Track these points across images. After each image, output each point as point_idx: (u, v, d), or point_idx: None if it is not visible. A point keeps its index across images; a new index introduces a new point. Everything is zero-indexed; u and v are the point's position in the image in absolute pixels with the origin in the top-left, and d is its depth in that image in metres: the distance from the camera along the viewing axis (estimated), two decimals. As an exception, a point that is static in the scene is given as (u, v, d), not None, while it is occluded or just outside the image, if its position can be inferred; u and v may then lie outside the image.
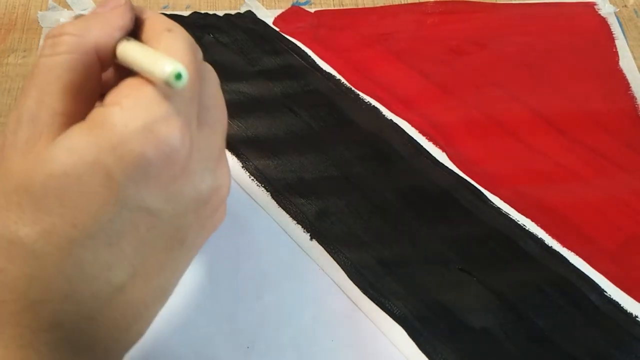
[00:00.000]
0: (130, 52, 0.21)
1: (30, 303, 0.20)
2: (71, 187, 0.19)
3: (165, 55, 0.19)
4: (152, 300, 0.23)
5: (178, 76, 0.19)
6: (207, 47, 0.43)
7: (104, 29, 0.21)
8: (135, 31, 0.23)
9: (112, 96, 0.20)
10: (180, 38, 0.21)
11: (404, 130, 0.40)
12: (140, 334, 0.24)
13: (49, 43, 0.21)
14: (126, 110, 0.19)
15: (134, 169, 0.19)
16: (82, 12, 0.44)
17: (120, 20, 0.22)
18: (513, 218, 0.37)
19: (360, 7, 0.47)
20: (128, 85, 0.20)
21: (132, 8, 0.23)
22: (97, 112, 0.19)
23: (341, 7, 0.46)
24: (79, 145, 0.19)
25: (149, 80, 0.19)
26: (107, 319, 0.21)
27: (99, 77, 0.22)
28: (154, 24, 0.22)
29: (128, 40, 0.22)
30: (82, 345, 0.21)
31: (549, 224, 0.37)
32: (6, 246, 0.19)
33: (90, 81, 0.21)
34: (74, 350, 0.21)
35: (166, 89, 0.19)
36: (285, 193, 0.37)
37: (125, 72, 0.21)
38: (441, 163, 0.39)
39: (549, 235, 0.36)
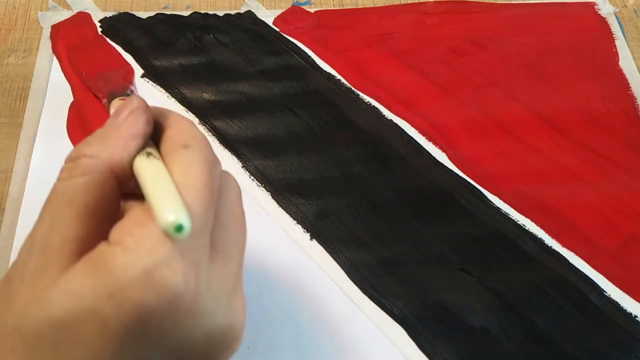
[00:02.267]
0: (142, 175, 0.19)
1: None
2: (65, 334, 0.18)
3: (172, 198, 0.18)
4: None
5: (179, 228, 0.17)
6: (207, 47, 0.43)
7: (117, 143, 0.20)
8: (157, 134, 0.21)
9: (117, 232, 0.18)
10: (197, 156, 0.20)
11: (404, 130, 0.40)
12: None
13: (67, 167, 0.20)
14: (127, 253, 0.18)
15: (133, 318, 0.18)
16: (83, 12, 0.44)
17: (133, 129, 0.20)
18: (513, 218, 0.37)
19: (360, 7, 0.47)
20: (133, 220, 0.18)
21: (147, 111, 0.21)
22: (100, 252, 0.18)
23: (341, 7, 0.46)
24: (77, 290, 0.18)
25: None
26: None
27: (117, 195, 0.21)
28: (173, 134, 0.21)
29: (147, 152, 0.20)
30: None
31: (548, 224, 0.37)
32: None
33: (106, 202, 0.20)
34: None
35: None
36: (285, 193, 0.37)
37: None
38: (441, 163, 0.39)
39: (549, 235, 0.36)
